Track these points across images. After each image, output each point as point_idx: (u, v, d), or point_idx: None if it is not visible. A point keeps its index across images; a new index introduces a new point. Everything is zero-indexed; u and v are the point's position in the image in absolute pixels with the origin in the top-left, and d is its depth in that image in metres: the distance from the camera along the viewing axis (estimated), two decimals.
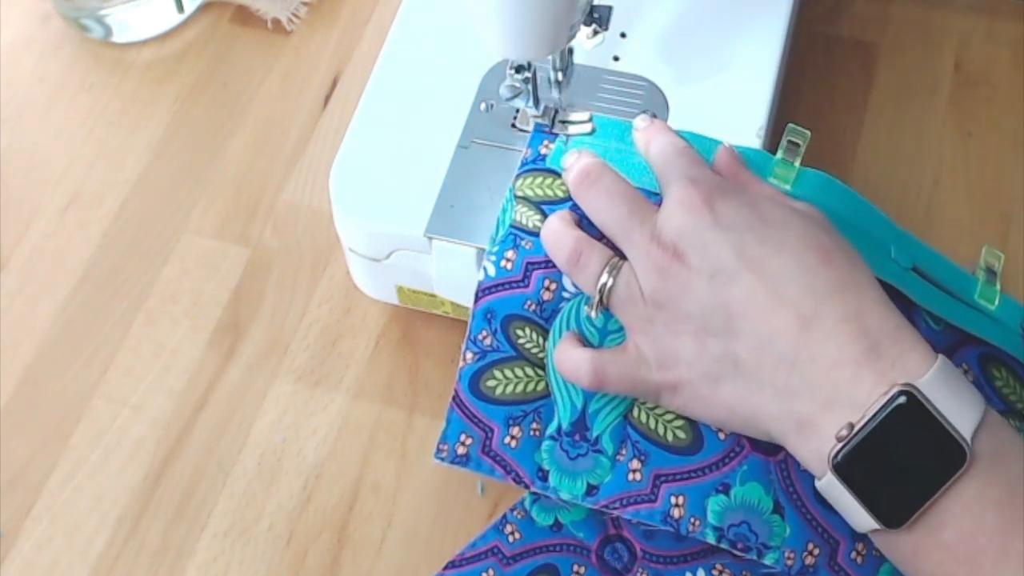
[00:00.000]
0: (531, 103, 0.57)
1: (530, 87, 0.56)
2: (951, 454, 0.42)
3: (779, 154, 0.54)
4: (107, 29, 0.73)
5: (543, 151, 0.57)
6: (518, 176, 0.56)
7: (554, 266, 0.53)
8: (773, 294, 0.45)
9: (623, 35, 0.62)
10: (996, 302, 0.54)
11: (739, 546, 0.49)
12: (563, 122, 0.58)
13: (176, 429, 0.60)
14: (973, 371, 0.53)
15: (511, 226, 0.54)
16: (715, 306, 0.47)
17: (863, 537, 0.48)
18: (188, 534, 0.57)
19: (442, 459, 0.52)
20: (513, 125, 0.59)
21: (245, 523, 0.57)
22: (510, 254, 0.54)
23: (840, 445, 0.43)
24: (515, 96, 0.56)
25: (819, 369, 0.44)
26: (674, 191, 0.49)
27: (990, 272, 0.55)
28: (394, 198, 0.57)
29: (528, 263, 0.53)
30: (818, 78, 0.60)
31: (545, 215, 0.54)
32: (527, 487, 0.52)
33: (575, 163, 0.54)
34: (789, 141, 0.54)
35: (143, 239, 0.66)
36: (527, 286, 0.53)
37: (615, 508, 0.51)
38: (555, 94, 0.58)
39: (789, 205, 0.50)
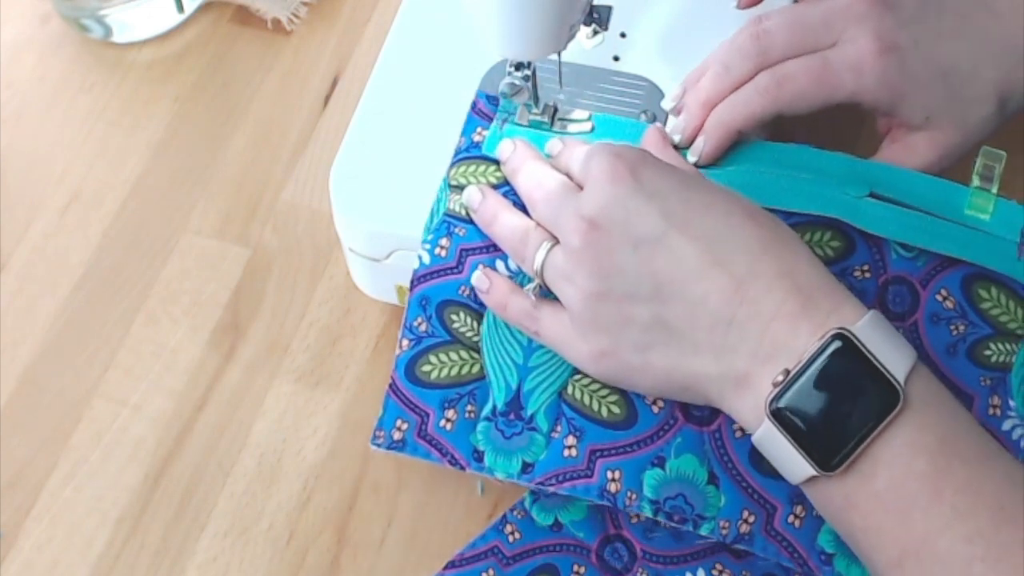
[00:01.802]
0: (531, 102, 0.57)
1: (530, 86, 0.56)
2: (885, 397, 0.43)
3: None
4: (107, 29, 0.73)
5: (476, 139, 0.57)
6: (452, 165, 0.57)
7: (488, 251, 0.54)
8: (705, 255, 0.46)
9: (623, 35, 0.62)
10: (991, 210, 0.53)
11: (675, 518, 0.50)
12: (563, 120, 0.58)
13: (176, 429, 0.60)
14: (954, 297, 0.52)
15: (445, 214, 0.55)
16: (642, 274, 0.47)
17: (801, 500, 0.49)
18: (188, 534, 0.57)
19: (378, 445, 0.53)
20: (514, 124, 0.59)
21: (245, 523, 0.57)
22: (444, 242, 0.55)
23: (777, 390, 0.44)
24: (515, 95, 0.56)
25: (756, 325, 0.45)
26: (595, 164, 0.49)
27: (986, 177, 0.53)
28: (394, 198, 0.57)
29: (462, 249, 0.54)
30: None
31: None
32: (463, 468, 0.52)
33: (510, 151, 0.55)
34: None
35: (143, 239, 0.66)
36: (461, 272, 0.54)
37: (551, 484, 0.51)
38: (555, 93, 0.58)
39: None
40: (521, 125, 0.58)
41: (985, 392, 0.50)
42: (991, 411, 0.51)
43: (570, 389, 0.52)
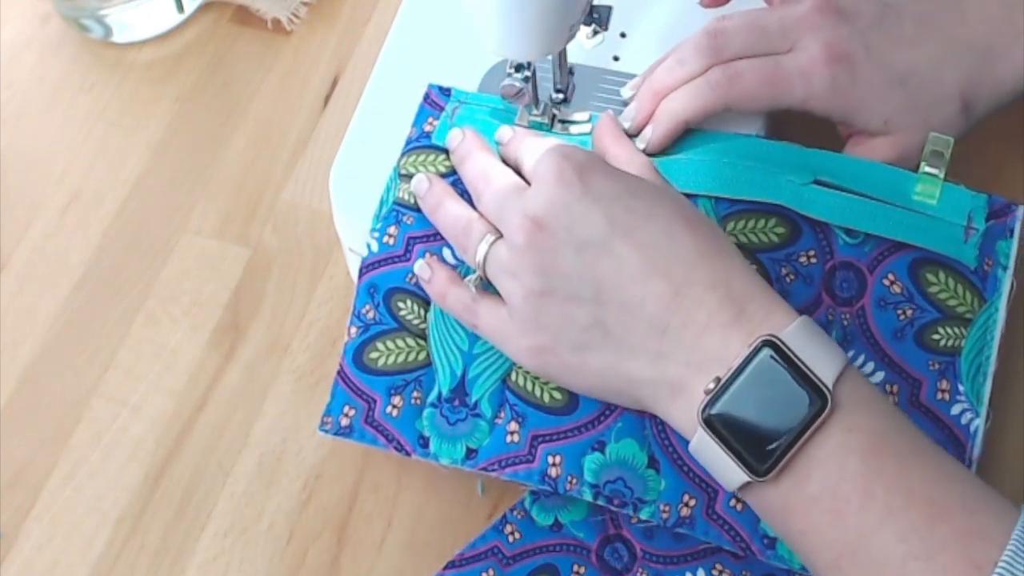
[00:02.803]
0: (531, 102, 0.57)
1: (530, 86, 0.56)
2: (814, 401, 0.44)
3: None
4: (107, 29, 0.73)
5: (427, 128, 0.58)
6: (403, 155, 0.57)
7: (435, 239, 0.54)
8: (645, 262, 0.47)
9: (623, 35, 0.62)
10: (938, 195, 0.53)
11: (615, 502, 0.50)
12: (563, 121, 0.58)
13: (176, 429, 0.60)
14: (901, 282, 0.53)
15: (394, 203, 0.56)
16: (584, 277, 0.48)
17: None
18: (188, 534, 0.57)
19: (326, 431, 0.54)
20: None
21: (245, 523, 0.57)
22: (392, 230, 0.55)
23: (708, 398, 0.45)
24: (515, 95, 0.56)
25: (690, 333, 0.46)
26: (543, 164, 0.50)
27: (933, 164, 0.54)
28: None
29: (410, 238, 0.55)
30: None
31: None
32: (408, 454, 0.53)
33: (458, 140, 0.55)
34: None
35: (143, 239, 0.66)
36: (409, 260, 0.55)
37: (494, 470, 0.52)
38: (555, 92, 0.58)
39: (658, 181, 0.51)
40: (521, 126, 0.58)
41: (933, 376, 0.51)
42: (939, 395, 0.51)
43: (514, 376, 0.53)
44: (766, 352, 0.44)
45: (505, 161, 0.55)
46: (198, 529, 0.57)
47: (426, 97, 0.59)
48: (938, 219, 0.53)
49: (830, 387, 0.44)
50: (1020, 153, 0.66)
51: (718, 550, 0.53)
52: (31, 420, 0.61)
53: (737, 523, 0.50)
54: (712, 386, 0.45)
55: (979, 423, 0.51)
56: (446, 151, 0.57)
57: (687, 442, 0.49)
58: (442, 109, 0.58)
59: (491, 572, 0.54)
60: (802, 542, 0.45)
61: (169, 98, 0.72)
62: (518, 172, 0.53)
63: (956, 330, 0.52)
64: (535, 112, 0.58)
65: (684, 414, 0.46)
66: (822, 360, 0.44)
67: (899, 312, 0.53)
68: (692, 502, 0.50)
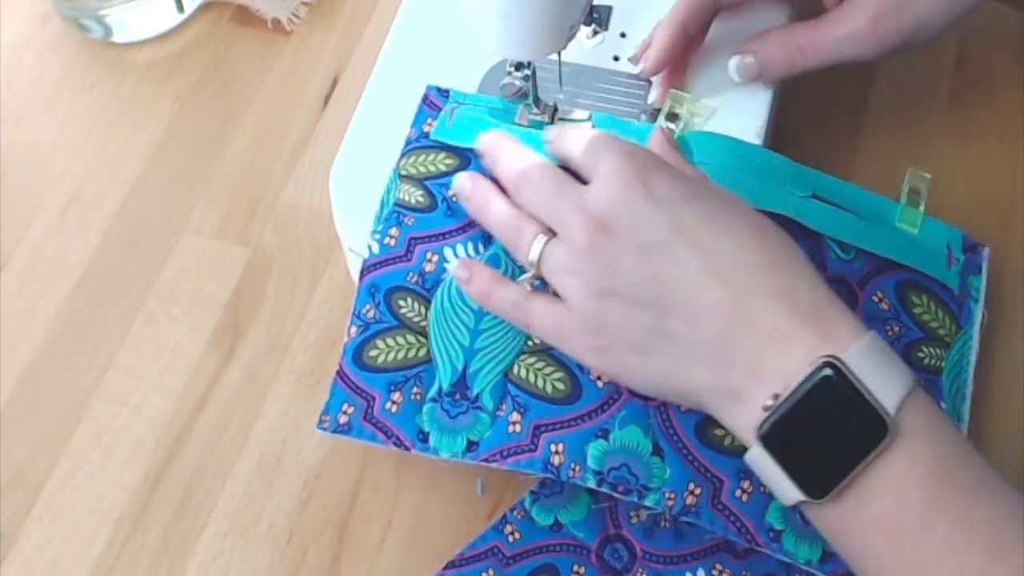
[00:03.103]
0: (531, 102, 0.57)
1: (530, 86, 0.56)
2: (874, 428, 0.43)
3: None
4: (107, 29, 0.73)
5: (426, 129, 0.58)
6: (402, 155, 0.57)
7: (436, 240, 0.54)
8: (708, 268, 0.46)
9: (623, 35, 0.62)
10: (918, 225, 0.55)
11: (619, 489, 0.50)
12: (563, 120, 0.58)
13: (176, 429, 0.60)
14: (889, 299, 0.53)
15: (395, 204, 0.56)
16: (646, 280, 0.47)
17: (749, 476, 0.49)
18: (188, 534, 0.57)
19: (324, 429, 0.53)
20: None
21: (245, 523, 0.57)
22: (394, 231, 0.55)
23: (765, 415, 0.44)
24: (515, 95, 0.56)
25: (752, 342, 0.45)
26: (605, 163, 0.48)
27: (913, 195, 0.55)
28: None
29: (411, 238, 0.55)
30: (818, 78, 0.60)
31: (428, 190, 0.56)
32: (407, 449, 0.53)
33: (493, 145, 0.54)
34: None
35: (143, 239, 0.66)
36: (410, 260, 0.55)
37: (495, 460, 0.51)
38: (555, 93, 0.58)
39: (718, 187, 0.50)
40: (521, 125, 0.58)
41: None
42: None
43: (516, 369, 0.53)
44: (827, 373, 0.43)
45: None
46: (198, 529, 0.57)
47: (424, 98, 0.59)
48: (923, 245, 0.55)
49: (893, 414, 0.43)
50: (1020, 153, 0.66)
51: (718, 550, 0.53)
52: (31, 420, 0.61)
53: (742, 514, 0.50)
54: (771, 403, 0.44)
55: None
56: (446, 150, 0.57)
57: (694, 429, 0.50)
58: (440, 110, 0.58)
59: (491, 572, 0.54)
60: (858, 559, 0.44)
61: (169, 98, 0.72)
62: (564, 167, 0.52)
63: (937, 351, 0.54)
64: (535, 111, 0.58)
65: (743, 423, 0.45)
66: (886, 384, 0.43)
67: (888, 328, 0.53)
68: (698, 491, 0.50)
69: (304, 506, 0.57)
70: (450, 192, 0.55)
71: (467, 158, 0.57)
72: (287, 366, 0.61)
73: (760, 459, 0.45)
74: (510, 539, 0.54)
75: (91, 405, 0.61)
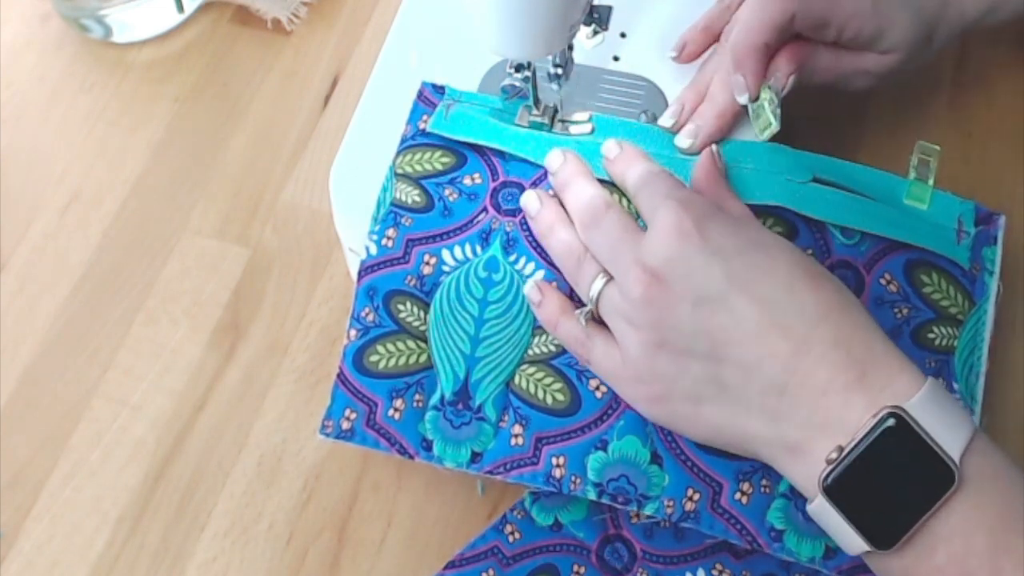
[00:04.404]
0: (531, 102, 0.57)
1: (530, 86, 0.56)
2: (940, 476, 0.42)
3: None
4: (107, 29, 0.73)
5: (422, 126, 0.58)
6: (398, 153, 0.57)
7: (434, 241, 0.55)
8: (764, 319, 0.46)
9: (623, 35, 0.62)
10: (928, 201, 0.54)
11: (620, 499, 0.50)
12: (563, 121, 0.58)
13: (176, 429, 0.60)
14: (897, 280, 0.53)
15: (392, 204, 0.56)
16: (700, 331, 0.47)
17: (748, 478, 0.49)
18: (188, 534, 0.57)
19: (327, 435, 0.53)
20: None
21: (245, 523, 0.57)
22: (391, 232, 0.55)
23: (830, 468, 0.43)
24: (515, 95, 0.56)
25: (809, 395, 0.45)
26: (663, 215, 0.49)
27: (922, 168, 0.55)
28: None
29: (408, 240, 0.55)
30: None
31: (424, 190, 0.56)
32: (411, 458, 0.53)
33: (559, 164, 0.54)
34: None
35: (143, 239, 0.66)
36: (408, 262, 0.55)
37: (499, 473, 0.52)
38: (555, 94, 0.58)
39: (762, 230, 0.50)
40: (521, 125, 0.58)
41: (930, 373, 0.51)
42: None
43: (517, 379, 0.53)
44: (891, 423, 0.43)
45: (605, 180, 0.54)
46: (198, 529, 0.57)
47: (420, 95, 0.59)
48: (931, 221, 0.54)
49: (957, 462, 0.42)
50: (1020, 153, 0.66)
51: (718, 550, 0.53)
52: (31, 420, 0.61)
53: (743, 516, 0.50)
54: (834, 455, 0.43)
55: (974, 420, 0.51)
56: (442, 148, 0.57)
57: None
58: (436, 107, 0.58)
59: (491, 572, 0.54)
60: None
61: (169, 98, 0.72)
62: (621, 189, 0.53)
63: (949, 330, 0.53)
64: (535, 112, 0.58)
65: (803, 476, 0.45)
66: (949, 432, 0.43)
67: (896, 311, 0.53)
68: (696, 496, 0.50)
69: (304, 506, 0.57)
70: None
71: (463, 155, 0.57)
72: (287, 366, 0.61)
73: (824, 511, 0.44)
74: (510, 539, 0.54)
75: (91, 405, 0.61)
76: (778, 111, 0.55)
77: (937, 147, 0.55)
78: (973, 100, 0.68)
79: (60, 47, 0.74)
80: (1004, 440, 0.55)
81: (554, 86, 0.58)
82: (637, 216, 0.52)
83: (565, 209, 0.53)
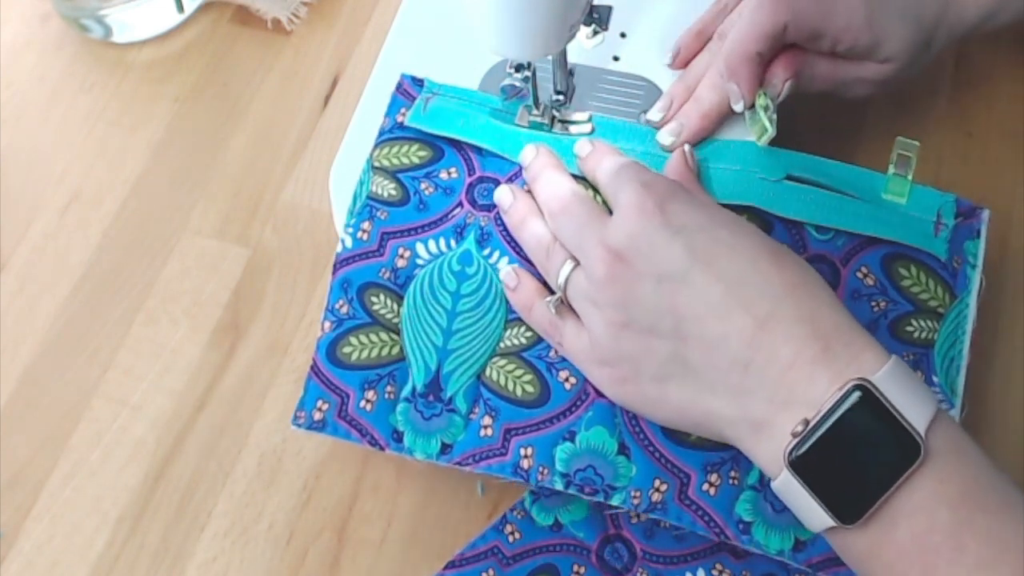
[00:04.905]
0: (531, 102, 0.57)
1: (530, 86, 0.56)
2: (906, 449, 0.42)
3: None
4: (107, 29, 0.73)
5: (400, 119, 0.58)
6: (376, 146, 0.58)
7: (408, 235, 0.55)
8: (727, 295, 0.46)
9: (623, 35, 0.62)
10: (907, 195, 0.54)
11: (586, 490, 0.50)
12: (563, 122, 0.58)
13: (176, 429, 0.60)
14: (875, 274, 0.53)
15: (368, 197, 0.56)
16: (663, 309, 0.47)
17: (716, 469, 0.49)
18: (188, 534, 0.57)
19: (299, 425, 0.54)
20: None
21: (245, 523, 0.57)
22: (366, 225, 0.56)
23: (796, 441, 0.43)
24: (515, 95, 0.56)
25: (774, 370, 0.45)
26: (625, 195, 0.49)
27: (902, 164, 0.55)
28: None
29: (383, 233, 0.55)
30: None
31: (400, 183, 0.56)
32: (382, 449, 0.53)
33: (531, 157, 0.55)
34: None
35: (143, 239, 0.66)
36: (382, 255, 0.55)
37: (468, 464, 0.52)
38: (555, 94, 0.58)
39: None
40: (521, 126, 0.58)
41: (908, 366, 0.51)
42: None
43: (488, 371, 0.53)
44: (857, 396, 0.43)
45: (579, 176, 0.55)
46: (198, 529, 0.57)
47: (398, 87, 0.59)
48: (908, 215, 0.54)
49: (923, 435, 0.42)
50: (1020, 153, 0.66)
51: (718, 550, 0.53)
52: (31, 420, 0.61)
53: (710, 508, 0.50)
54: (800, 428, 0.43)
55: (954, 414, 0.51)
56: (419, 141, 0.57)
57: (659, 427, 0.50)
58: (414, 99, 0.59)
59: (491, 572, 0.54)
60: None
61: (169, 98, 0.72)
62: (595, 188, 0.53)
63: (929, 323, 0.53)
64: (535, 112, 0.58)
65: (768, 453, 0.45)
66: (914, 406, 0.43)
67: (873, 304, 0.53)
68: (664, 487, 0.50)
69: (304, 506, 0.57)
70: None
71: (440, 149, 0.57)
72: (287, 366, 0.61)
73: (789, 486, 0.44)
74: (510, 539, 0.54)
75: (91, 405, 0.61)
76: (774, 117, 0.55)
77: (916, 142, 0.55)
78: (973, 100, 0.68)
79: (60, 47, 0.74)
80: (984, 432, 0.56)
81: (554, 93, 0.58)
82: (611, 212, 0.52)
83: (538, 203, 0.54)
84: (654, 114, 0.58)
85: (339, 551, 0.56)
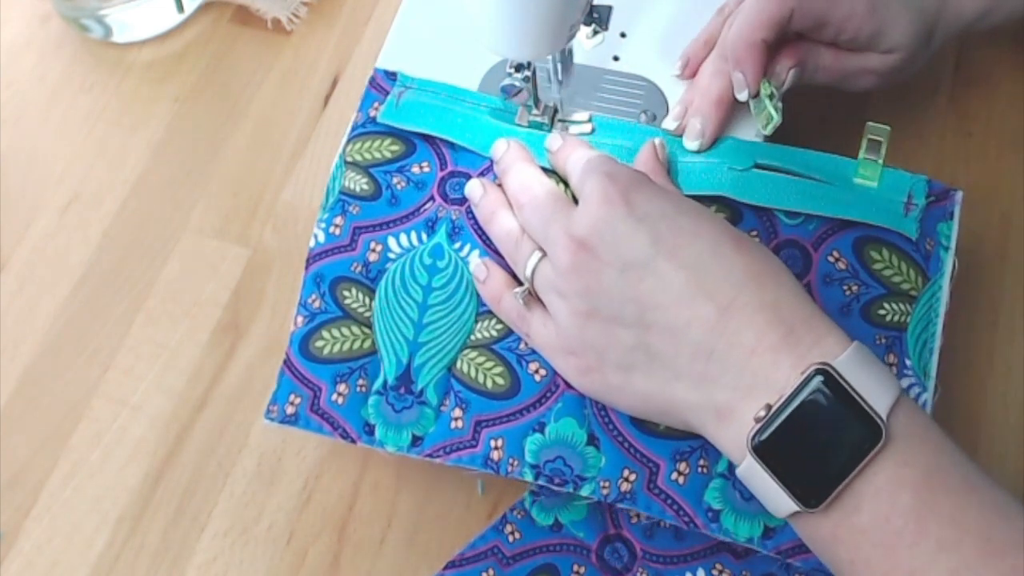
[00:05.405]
0: (531, 102, 0.57)
1: (530, 86, 0.56)
2: (868, 433, 0.43)
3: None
4: (107, 29, 0.73)
5: (372, 113, 0.58)
6: (348, 141, 0.58)
7: (380, 229, 0.55)
8: (690, 283, 0.46)
9: (623, 35, 0.62)
10: (878, 178, 0.54)
11: (556, 481, 0.50)
12: (563, 121, 0.58)
13: (176, 429, 0.60)
14: (846, 258, 0.53)
15: (340, 192, 0.57)
16: (627, 298, 0.47)
17: (685, 458, 0.49)
18: (188, 534, 0.57)
19: (272, 419, 0.54)
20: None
21: (245, 523, 0.57)
22: (339, 220, 0.56)
23: (758, 426, 0.44)
24: (515, 95, 0.56)
25: (737, 357, 0.45)
26: (589, 185, 0.49)
27: (872, 148, 0.55)
28: None
29: (355, 227, 0.56)
30: None
31: (372, 178, 0.56)
32: (353, 442, 0.53)
33: (502, 151, 0.55)
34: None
35: (143, 239, 0.66)
36: (354, 249, 0.55)
37: (439, 456, 0.52)
38: (555, 94, 0.58)
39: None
40: (521, 126, 0.58)
41: (881, 350, 0.51)
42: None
43: (459, 364, 0.53)
44: (819, 380, 0.43)
45: (550, 170, 0.55)
46: (198, 529, 0.57)
47: (372, 81, 0.59)
48: (878, 196, 0.54)
49: (884, 418, 0.43)
50: (1020, 153, 0.66)
51: (718, 550, 0.53)
52: (31, 420, 0.61)
53: (680, 497, 0.50)
54: (763, 413, 0.44)
55: (927, 397, 0.51)
56: (391, 135, 0.57)
57: (627, 417, 0.50)
58: (387, 93, 0.59)
59: (491, 572, 0.54)
60: (850, 572, 0.44)
61: (169, 98, 0.72)
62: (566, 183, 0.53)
63: (901, 306, 0.53)
64: (535, 112, 0.58)
65: (731, 439, 0.45)
66: (876, 390, 0.43)
67: (845, 288, 0.53)
68: (633, 477, 0.50)
69: (304, 506, 0.57)
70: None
71: (412, 144, 0.57)
72: None
73: (752, 472, 0.44)
74: (510, 539, 0.54)
75: (91, 405, 0.61)
76: (779, 104, 0.55)
77: (887, 127, 0.55)
78: (973, 100, 0.68)
79: (60, 47, 0.74)
80: (957, 414, 0.56)
81: (555, 93, 0.58)
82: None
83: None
84: (669, 123, 0.57)
85: (339, 551, 0.56)
